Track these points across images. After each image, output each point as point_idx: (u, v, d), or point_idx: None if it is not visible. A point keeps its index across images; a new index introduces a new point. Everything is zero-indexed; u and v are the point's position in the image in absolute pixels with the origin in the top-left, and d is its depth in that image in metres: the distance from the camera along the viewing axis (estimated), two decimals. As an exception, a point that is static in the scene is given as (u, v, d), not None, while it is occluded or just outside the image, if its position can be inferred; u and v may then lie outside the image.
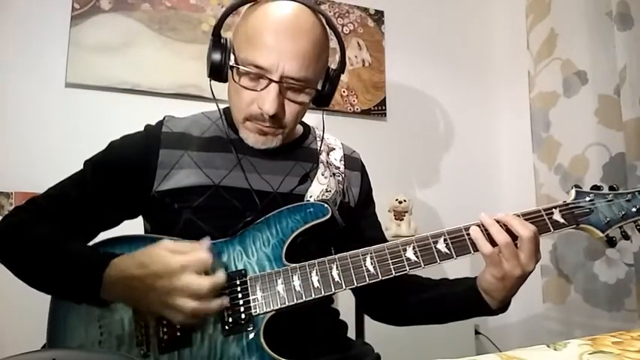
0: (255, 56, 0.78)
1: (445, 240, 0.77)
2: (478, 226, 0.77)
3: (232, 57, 0.82)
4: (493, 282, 0.77)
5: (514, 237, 0.75)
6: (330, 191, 0.90)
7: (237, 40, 0.82)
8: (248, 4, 0.83)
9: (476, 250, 0.77)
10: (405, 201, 1.73)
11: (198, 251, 0.70)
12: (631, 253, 1.51)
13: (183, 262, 0.68)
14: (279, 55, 0.77)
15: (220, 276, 0.70)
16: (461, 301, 0.84)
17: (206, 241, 0.73)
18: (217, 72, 0.83)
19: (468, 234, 0.77)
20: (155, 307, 0.70)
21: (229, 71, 0.82)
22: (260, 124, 0.83)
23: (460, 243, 0.77)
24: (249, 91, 0.80)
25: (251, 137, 0.85)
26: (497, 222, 0.76)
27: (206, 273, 0.70)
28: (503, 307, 0.82)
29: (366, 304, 1.02)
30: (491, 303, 0.80)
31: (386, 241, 0.80)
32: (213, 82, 0.86)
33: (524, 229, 0.74)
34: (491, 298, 0.80)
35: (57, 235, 0.80)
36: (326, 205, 0.82)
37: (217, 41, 0.83)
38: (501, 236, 0.74)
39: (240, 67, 0.79)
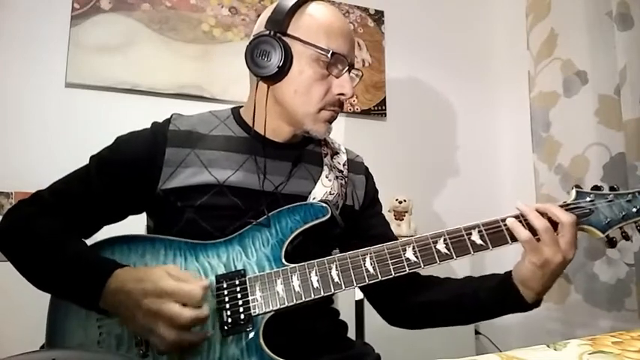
0: (338, 44, 0.84)
1: (445, 240, 0.77)
2: (515, 217, 0.78)
3: (310, 49, 0.83)
4: (532, 269, 0.76)
5: (553, 225, 0.75)
6: (333, 194, 0.90)
7: (308, 34, 0.83)
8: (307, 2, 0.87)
9: (476, 250, 0.76)
10: (405, 201, 1.73)
11: (194, 284, 0.70)
12: (631, 253, 1.51)
13: (173, 288, 0.68)
14: (350, 44, 0.87)
15: (204, 311, 0.69)
16: (495, 296, 0.83)
17: (206, 281, 0.73)
18: (282, 69, 0.83)
19: (469, 234, 0.77)
20: (140, 327, 0.70)
21: (310, 63, 0.83)
22: (335, 110, 0.88)
23: (459, 243, 0.77)
24: (325, 80, 0.85)
25: (323, 128, 0.87)
26: (536, 210, 0.77)
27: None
28: (538, 300, 0.80)
29: (381, 308, 0.99)
30: (528, 295, 0.79)
31: (396, 238, 0.80)
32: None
33: (566, 215, 0.75)
34: (529, 290, 0.78)
35: (61, 232, 0.79)
36: (325, 206, 0.82)
37: (279, 39, 0.83)
38: (540, 222, 0.75)
39: (338, 53, 0.83)
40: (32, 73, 1.55)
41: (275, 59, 0.82)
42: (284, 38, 0.83)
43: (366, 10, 2.00)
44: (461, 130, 2.11)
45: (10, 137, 1.50)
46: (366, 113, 1.94)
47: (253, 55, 0.83)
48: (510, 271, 0.82)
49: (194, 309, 0.68)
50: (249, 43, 0.84)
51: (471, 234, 0.77)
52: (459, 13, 2.20)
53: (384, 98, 1.98)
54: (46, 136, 1.53)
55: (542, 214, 0.76)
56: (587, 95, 1.68)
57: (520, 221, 0.77)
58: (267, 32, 0.84)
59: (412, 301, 0.93)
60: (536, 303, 0.81)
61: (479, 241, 0.77)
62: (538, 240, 0.75)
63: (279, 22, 0.84)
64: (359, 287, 0.79)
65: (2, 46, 1.53)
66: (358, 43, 1.97)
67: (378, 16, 2.02)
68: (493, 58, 2.21)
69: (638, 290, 1.49)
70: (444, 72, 2.12)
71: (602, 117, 1.63)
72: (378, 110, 1.96)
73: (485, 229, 0.77)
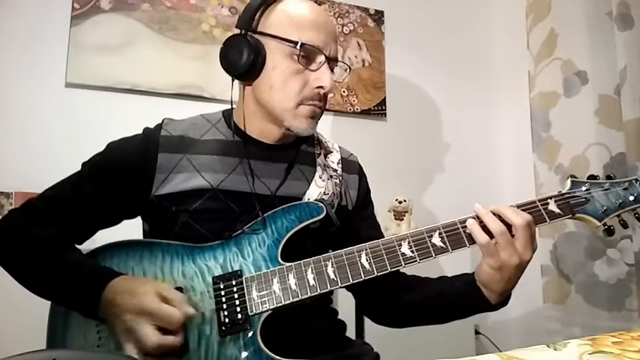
0: (310, 36, 0.82)
1: (440, 234, 0.77)
2: (474, 218, 0.77)
3: (281, 44, 0.82)
4: (490, 272, 0.77)
5: (509, 227, 0.75)
6: (327, 194, 0.90)
7: (279, 28, 0.83)
8: None
9: (471, 243, 0.77)
10: (405, 201, 1.73)
11: (176, 310, 0.69)
12: (631, 253, 1.51)
13: (152, 309, 0.68)
14: (327, 36, 0.85)
15: (174, 339, 0.68)
16: (460, 297, 0.84)
17: (191, 310, 0.71)
18: (253, 67, 0.83)
19: (464, 227, 0.77)
20: (119, 339, 0.70)
21: (283, 57, 0.83)
22: (315, 104, 0.86)
23: (455, 236, 0.77)
24: (302, 74, 0.83)
25: (304, 123, 0.85)
26: (492, 212, 0.77)
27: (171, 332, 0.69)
28: (502, 301, 0.81)
29: (366, 307, 1.01)
30: (490, 297, 0.80)
31: None
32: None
33: (517, 217, 0.74)
34: (490, 291, 0.79)
35: (57, 241, 0.80)
36: (320, 204, 0.82)
37: (249, 38, 0.83)
38: (495, 225, 0.75)
39: (308, 44, 0.81)
40: (32, 73, 1.54)
41: (245, 57, 0.82)
42: (255, 36, 0.84)
43: (366, 10, 2.00)
44: (461, 130, 2.11)
45: (10, 137, 1.50)
46: (366, 113, 1.94)
47: (226, 57, 0.84)
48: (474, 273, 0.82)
49: (162, 336, 0.67)
50: (222, 44, 0.85)
51: (465, 226, 0.77)
52: (459, 13, 2.20)
53: (384, 98, 1.98)
54: (46, 136, 1.53)
55: (498, 216, 0.76)
56: (588, 95, 1.68)
57: (477, 222, 0.77)
58: (238, 32, 0.84)
59: (393, 301, 0.94)
60: (502, 302, 0.82)
61: None
62: (496, 242, 0.75)
63: (249, 21, 0.84)
64: (345, 287, 0.79)
65: (2, 46, 1.53)
66: (358, 43, 1.97)
67: (378, 16, 2.02)
68: (493, 58, 2.21)
69: (638, 290, 1.49)
70: (444, 72, 2.11)
71: (603, 117, 1.62)
72: (378, 110, 1.96)
73: (480, 222, 0.77)
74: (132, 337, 0.68)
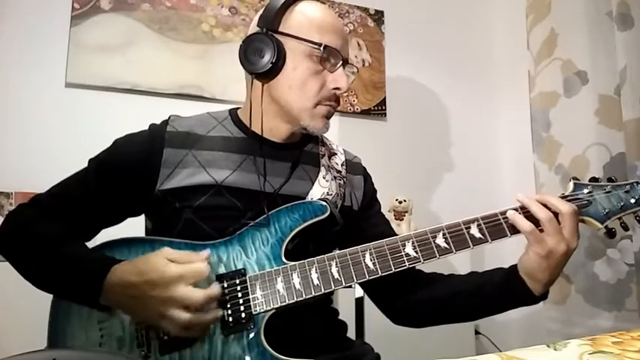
0: (330, 38, 0.85)
1: (444, 235, 0.77)
2: (515, 209, 0.78)
3: (302, 44, 0.83)
4: (537, 260, 0.76)
5: (555, 215, 0.75)
6: (331, 194, 0.90)
7: (300, 30, 0.84)
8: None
9: (475, 244, 0.77)
10: (405, 201, 1.73)
11: (196, 262, 0.71)
12: (631, 253, 1.51)
13: (179, 273, 0.69)
14: (343, 39, 0.88)
15: (215, 288, 0.71)
16: (501, 290, 0.83)
17: (205, 252, 0.74)
18: (275, 66, 0.83)
19: (467, 228, 0.77)
20: (150, 316, 0.71)
21: (304, 58, 0.84)
22: (331, 105, 0.88)
23: (458, 237, 0.77)
24: (320, 75, 0.85)
25: (320, 123, 0.88)
26: (537, 201, 0.77)
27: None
28: (544, 293, 0.80)
29: (386, 308, 0.98)
30: (534, 287, 0.79)
31: (396, 236, 0.80)
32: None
33: (565, 205, 0.75)
34: (535, 282, 0.78)
35: (60, 234, 0.80)
36: (324, 204, 0.82)
37: (271, 36, 0.83)
38: (543, 213, 0.75)
39: (330, 46, 0.84)
40: (32, 73, 1.54)
41: (268, 56, 0.82)
42: (276, 35, 0.84)
43: (366, 10, 2.00)
44: (461, 130, 2.11)
45: (10, 137, 1.50)
46: (366, 113, 1.94)
47: (246, 54, 0.84)
48: (515, 265, 0.82)
49: (205, 289, 0.69)
50: (242, 42, 0.85)
51: (469, 228, 0.77)
52: (459, 13, 2.20)
53: (384, 98, 1.98)
54: (46, 136, 1.53)
55: (543, 205, 0.77)
56: (588, 95, 1.68)
57: (520, 213, 0.77)
58: (260, 30, 0.84)
59: (414, 298, 0.92)
60: (543, 296, 0.81)
61: (478, 235, 0.78)
62: (541, 231, 0.75)
63: (271, 20, 0.85)
64: (362, 288, 0.79)
65: (2, 46, 1.53)
66: (358, 43, 1.97)
67: (378, 16, 2.02)
68: (493, 58, 2.21)
69: (638, 290, 1.49)
70: (444, 72, 2.12)
71: (603, 117, 1.62)
72: (378, 110, 1.96)
73: (485, 223, 0.77)
74: (173, 303, 0.68)
